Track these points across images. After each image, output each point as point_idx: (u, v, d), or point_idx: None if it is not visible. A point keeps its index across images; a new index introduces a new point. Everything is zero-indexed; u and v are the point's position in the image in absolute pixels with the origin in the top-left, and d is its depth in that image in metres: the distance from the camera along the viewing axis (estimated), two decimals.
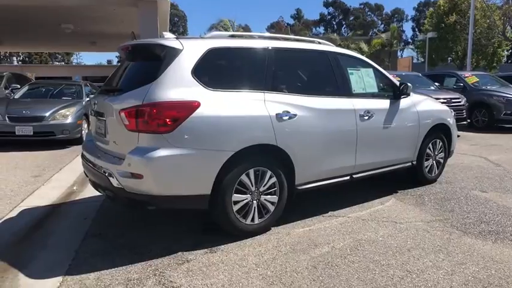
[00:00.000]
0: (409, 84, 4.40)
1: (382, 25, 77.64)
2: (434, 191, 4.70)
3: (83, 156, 3.65)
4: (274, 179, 3.30)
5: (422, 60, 33.75)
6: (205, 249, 3.05)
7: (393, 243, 3.19)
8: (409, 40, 69.26)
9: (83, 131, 8.55)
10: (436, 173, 5.07)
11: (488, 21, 27.28)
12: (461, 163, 6.15)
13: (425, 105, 4.81)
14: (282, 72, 3.51)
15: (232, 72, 3.28)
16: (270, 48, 3.45)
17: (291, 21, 73.62)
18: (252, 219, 3.24)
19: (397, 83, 4.47)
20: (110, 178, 2.91)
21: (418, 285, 2.53)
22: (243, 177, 3.12)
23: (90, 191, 4.57)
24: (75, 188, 4.91)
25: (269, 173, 3.26)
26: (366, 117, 3.95)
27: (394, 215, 3.87)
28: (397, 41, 35.91)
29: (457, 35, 28.80)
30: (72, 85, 10.28)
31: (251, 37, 3.55)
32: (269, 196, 3.31)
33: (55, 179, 5.42)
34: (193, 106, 2.85)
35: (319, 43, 4.04)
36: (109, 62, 49.61)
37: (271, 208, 3.34)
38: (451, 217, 3.79)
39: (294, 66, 3.76)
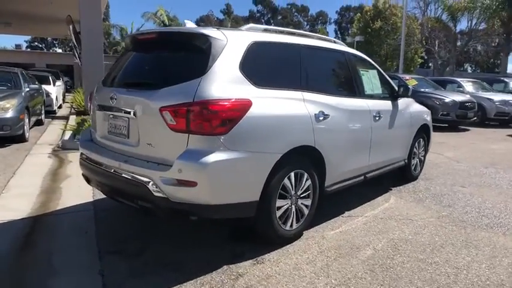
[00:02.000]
0: (409, 86, 4.60)
1: (308, 26, 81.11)
2: (423, 187, 4.98)
3: (87, 159, 3.15)
4: (309, 182, 3.19)
5: None
6: (250, 260, 2.83)
7: (424, 240, 3.29)
8: None
9: (25, 127, 7.51)
10: (419, 170, 5.41)
11: (407, 29, 30.00)
12: (426, 161, 6.63)
13: (415, 106, 5.09)
14: (314, 71, 3.39)
15: (274, 68, 3.06)
16: (303, 45, 3.32)
17: (221, 16, 73.04)
18: (291, 225, 3.10)
19: (395, 85, 4.64)
20: (149, 186, 2.53)
21: (475, 280, 2.63)
22: (286, 181, 2.96)
23: (69, 199, 4.02)
24: (44, 195, 4.24)
25: (306, 175, 3.14)
26: (377, 118, 4.03)
27: (405, 212, 4.01)
28: None
29: (382, 40, 31.20)
30: (6, 72, 8.88)
31: (281, 32, 3.36)
32: (304, 200, 3.20)
33: (13, 185, 4.63)
34: (247, 105, 2.61)
35: (335, 42, 4.01)
36: (18, 46, 43.85)
37: (306, 212, 3.24)
38: (454, 212, 4.04)
39: (323, 65, 3.67)
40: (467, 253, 3.07)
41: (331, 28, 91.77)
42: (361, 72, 4.10)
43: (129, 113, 2.76)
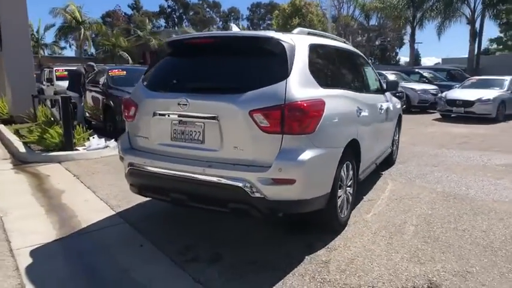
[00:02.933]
0: (398, 80, 5.19)
1: (221, 22, 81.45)
2: (405, 170, 5.66)
3: (141, 168, 3.02)
4: (351, 171, 3.50)
5: None
6: (324, 249, 3.05)
7: (443, 213, 3.84)
8: None
9: None
10: (396, 155, 6.10)
11: (323, 26, 32.16)
12: None
13: (394, 98, 5.72)
14: (347, 71, 3.70)
15: (327, 69, 3.29)
16: (339, 47, 3.60)
17: (129, 11, 69.42)
18: (344, 213, 3.38)
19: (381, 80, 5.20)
20: (246, 188, 2.58)
21: (503, 238, 3.23)
22: (342, 172, 3.22)
23: (87, 215, 3.79)
24: (55, 214, 3.90)
25: (350, 166, 3.45)
26: (381, 111, 4.52)
27: (409, 192, 4.57)
28: None
29: None
30: None
31: (321, 36, 3.58)
32: (349, 188, 3.51)
33: (7, 207, 4.08)
34: (323, 105, 2.80)
35: (345, 43, 4.36)
36: None
37: (351, 200, 3.55)
38: (445, 188, 4.72)
39: (351, 65, 4.00)
40: (482, 219, 3.68)
41: (243, 24, 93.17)
42: (365, 69, 4.54)
43: (207, 118, 2.74)
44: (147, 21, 71.41)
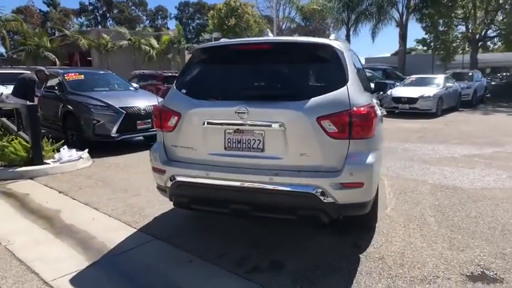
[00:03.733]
0: (386, 81, 5.54)
1: (148, 21, 78.63)
2: (386, 165, 6.06)
3: (189, 181, 2.89)
4: None
5: None
6: (370, 247, 3.20)
7: (449, 202, 4.24)
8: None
9: None
10: None
11: (259, 26, 32.75)
12: None
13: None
14: (364, 74, 3.88)
15: (360, 73, 3.41)
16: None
17: (44, 8, 63.83)
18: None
19: None
20: (319, 194, 2.61)
21: (510, 221, 3.66)
22: None
23: (105, 235, 3.54)
24: (67, 238, 3.55)
25: None
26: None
27: (407, 185, 4.94)
28: (183, 38, 37.82)
29: (238, 36, 33.11)
30: None
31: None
32: None
33: (6, 233, 3.59)
34: (374, 108, 2.93)
35: None
36: None
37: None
38: (435, 180, 5.19)
39: (363, 69, 4.17)
40: (482, 205, 4.13)
41: (172, 23, 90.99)
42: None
43: (270, 126, 2.71)
44: (72, 19, 66.24)
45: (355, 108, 2.66)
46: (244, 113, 2.73)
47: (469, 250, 3.11)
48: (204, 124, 2.89)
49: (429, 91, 12.38)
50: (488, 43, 22.61)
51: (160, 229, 3.62)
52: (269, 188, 2.69)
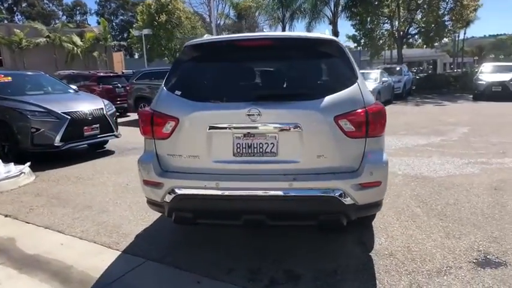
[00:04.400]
0: None
1: (65, 17, 72.87)
2: None
3: (212, 196, 2.61)
4: None
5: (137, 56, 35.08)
6: (377, 244, 3.19)
7: (429, 190, 4.42)
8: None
9: None
10: None
11: (191, 23, 31.97)
12: None
13: None
14: None
15: None
16: None
17: None
18: None
19: None
20: (341, 197, 2.49)
21: (509, 209, 3.93)
22: None
23: (89, 261, 3.12)
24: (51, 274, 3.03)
25: None
26: None
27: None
28: (110, 35, 35.50)
29: (171, 33, 31.91)
30: None
31: None
32: None
33: None
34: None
35: None
36: None
37: None
38: (403, 171, 5.42)
39: None
40: (455, 192, 4.39)
41: (92, 20, 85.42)
42: None
43: (286, 127, 2.52)
44: None
45: (370, 106, 2.59)
46: (256, 114, 2.51)
47: (464, 237, 3.25)
48: (208, 129, 2.60)
49: (369, 85, 13.03)
50: (411, 40, 24.63)
51: (149, 248, 3.24)
52: (286, 194, 2.51)
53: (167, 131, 2.70)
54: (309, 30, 22.95)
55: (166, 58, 34.87)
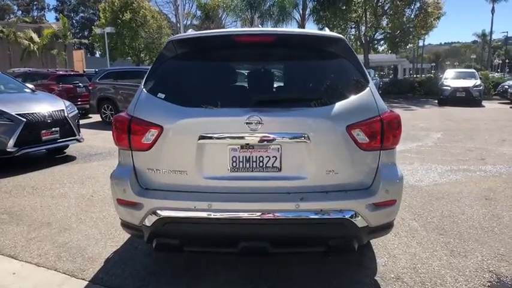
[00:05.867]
0: None
1: (21, 12, 69.04)
2: None
3: (203, 219, 2.19)
4: None
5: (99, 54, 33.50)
6: (380, 266, 2.91)
7: (420, 200, 4.22)
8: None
9: None
10: None
11: (158, 23, 30.97)
12: None
13: None
14: None
15: None
16: None
17: None
18: None
19: None
20: (355, 219, 2.16)
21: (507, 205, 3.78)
22: None
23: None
24: None
25: None
26: None
27: None
28: (70, 32, 33.71)
29: (135, 31, 30.69)
30: None
31: None
32: None
33: None
34: None
35: None
36: None
37: None
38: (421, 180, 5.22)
39: None
40: (447, 203, 4.22)
41: (51, 16, 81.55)
42: None
43: (291, 138, 2.15)
44: None
45: (385, 114, 2.28)
46: (256, 123, 2.13)
47: (470, 255, 3.03)
48: (198, 139, 2.19)
49: None
50: (377, 45, 25.15)
51: (123, 277, 2.75)
52: (297, 217, 2.14)
53: (148, 141, 2.26)
54: None
55: (130, 58, 33.58)
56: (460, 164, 5.93)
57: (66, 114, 6.52)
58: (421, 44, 38.33)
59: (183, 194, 2.23)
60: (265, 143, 2.18)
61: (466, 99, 15.54)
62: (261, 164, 2.22)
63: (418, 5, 21.07)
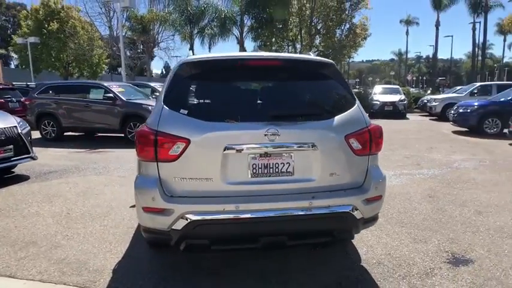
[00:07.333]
0: None
1: None
2: None
3: (231, 220, 2.49)
4: None
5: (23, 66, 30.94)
6: (362, 254, 3.41)
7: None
8: None
9: None
10: None
11: (88, 34, 29.69)
12: None
13: None
14: None
15: None
16: None
17: None
18: None
19: None
20: (354, 212, 2.62)
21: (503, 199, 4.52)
22: None
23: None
24: None
25: None
26: None
27: None
28: None
29: (63, 43, 29.01)
30: None
31: None
32: None
33: None
34: None
35: None
36: None
37: None
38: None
39: None
40: (400, 200, 4.93)
41: None
42: None
43: (302, 147, 2.57)
44: None
45: (371, 126, 2.80)
46: (275, 134, 2.51)
47: (429, 241, 3.68)
48: (224, 150, 2.50)
49: None
50: None
51: (138, 284, 2.89)
52: (311, 212, 2.54)
53: (175, 153, 2.51)
54: (210, 45, 23.36)
55: (57, 70, 31.46)
56: (402, 169, 6.82)
57: (19, 131, 6.21)
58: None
59: (210, 198, 2.50)
60: (280, 151, 2.57)
61: (393, 112, 17.43)
62: (276, 169, 2.59)
63: (347, 26, 23.17)
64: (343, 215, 2.62)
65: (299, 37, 23.76)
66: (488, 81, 38.53)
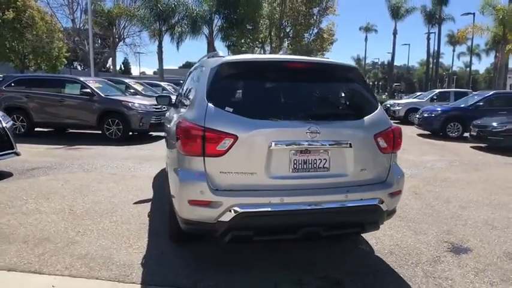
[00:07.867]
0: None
1: None
2: None
3: (275, 212, 2.64)
4: None
5: None
6: (374, 245, 3.70)
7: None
8: None
9: None
10: None
11: (48, 26, 28.20)
12: None
13: None
14: None
15: None
16: None
17: None
18: None
19: None
20: (381, 205, 2.87)
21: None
22: None
23: None
24: None
25: None
26: None
27: None
28: None
29: (19, 33, 27.27)
30: None
31: None
32: None
33: None
34: None
35: None
36: None
37: None
38: None
39: None
40: (408, 198, 5.30)
41: None
42: None
43: (339, 144, 2.78)
44: None
45: (393, 126, 3.08)
46: (316, 132, 2.70)
47: (428, 233, 4.04)
48: (269, 146, 2.65)
49: None
50: None
51: (171, 276, 2.96)
52: (347, 205, 2.76)
53: (223, 149, 2.63)
54: (178, 43, 23.08)
55: (11, 62, 29.51)
56: None
57: (3, 125, 5.93)
58: None
59: (254, 192, 2.65)
60: (319, 148, 2.77)
61: None
62: (314, 165, 2.79)
63: (315, 30, 23.91)
64: (373, 207, 2.87)
65: (269, 39, 24.15)
66: (438, 87, 41.24)
